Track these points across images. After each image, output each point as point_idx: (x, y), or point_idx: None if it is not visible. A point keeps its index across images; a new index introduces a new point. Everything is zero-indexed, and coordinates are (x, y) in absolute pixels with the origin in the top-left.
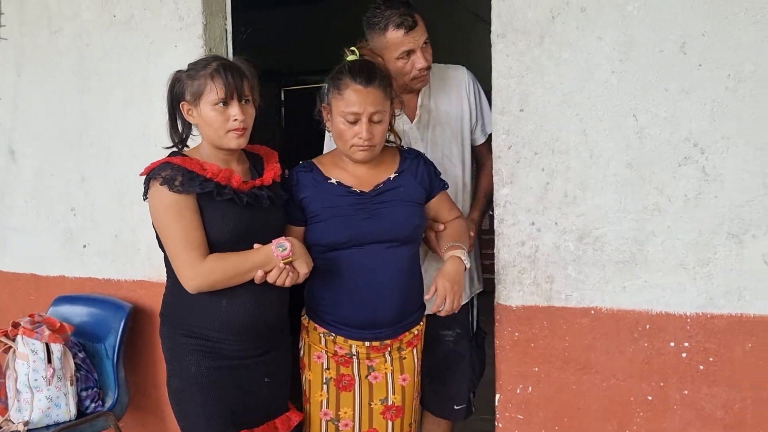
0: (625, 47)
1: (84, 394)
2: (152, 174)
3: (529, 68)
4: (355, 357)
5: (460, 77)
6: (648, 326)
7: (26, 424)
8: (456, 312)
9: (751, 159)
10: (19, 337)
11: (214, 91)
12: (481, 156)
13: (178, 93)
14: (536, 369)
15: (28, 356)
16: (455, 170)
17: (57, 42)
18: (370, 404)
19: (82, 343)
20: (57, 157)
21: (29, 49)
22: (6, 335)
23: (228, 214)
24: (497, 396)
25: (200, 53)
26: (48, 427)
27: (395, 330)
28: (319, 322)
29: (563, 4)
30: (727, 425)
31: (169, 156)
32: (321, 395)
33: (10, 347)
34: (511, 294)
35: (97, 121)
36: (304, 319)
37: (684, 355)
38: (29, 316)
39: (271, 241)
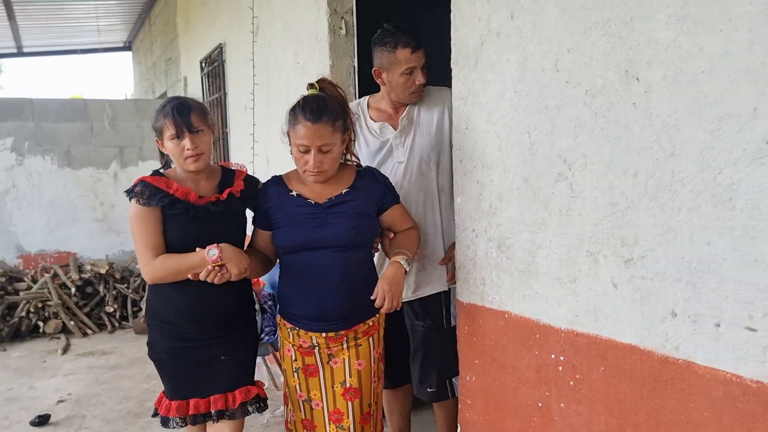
0: (521, 67)
1: (267, 329)
2: (129, 189)
3: (470, 91)
4: (316, 348)
5: (444, 96)
6: (538, 336)
7: None
8: (422, 306)
9: (602, 176)
10: None
11: (169, 129)
12: None
13: (155, 129)
14: (477, 361)
15: None
16: (431, 174)
17: (278, 83)
18: (332, 387)
19: (275, 295)
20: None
21: (273, 87)
22: None
23: (178, 224)
24: (458, 380)
25: None
26: None
27: (348, 322)
28: (287, 318)
29: (487, 30)
30: None
31: (150, 174)
32: (293, 381)
33: None
34: (463, 291)
35: (274, 139)
36: (278, 318)
37: (560, 368)
38: None
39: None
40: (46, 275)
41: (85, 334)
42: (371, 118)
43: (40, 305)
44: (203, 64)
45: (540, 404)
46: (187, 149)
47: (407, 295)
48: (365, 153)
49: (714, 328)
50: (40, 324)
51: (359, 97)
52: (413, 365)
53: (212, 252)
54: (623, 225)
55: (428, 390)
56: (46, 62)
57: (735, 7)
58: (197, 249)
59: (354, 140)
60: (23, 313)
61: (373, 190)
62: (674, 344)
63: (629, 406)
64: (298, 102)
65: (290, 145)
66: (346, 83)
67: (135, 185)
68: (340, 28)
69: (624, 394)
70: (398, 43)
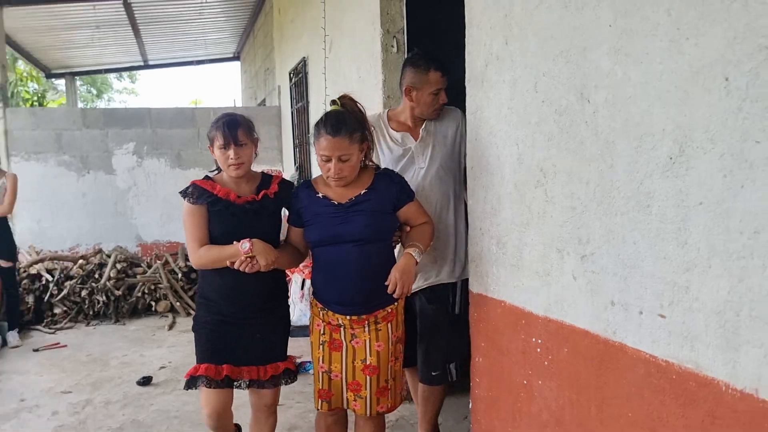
0: (512, 87)
1: None
2: (183, 190)
3: (478, 106)
4: (342, 327)
5: (455, 114)
6: (524, 322)
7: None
8: (439, 293)
9: (566, 184)
10: (296, 273)
11: (218, 140)
12: None
13: (208, 138)
14: (483, 344)
15: (293, 282)
16: (448, 179)
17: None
18: (353, 362)
19: None
20: None
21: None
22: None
23: (218, 219)
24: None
25: (381, 98)
26: (301, 327)
27: (369, 308)
28: (318, 300)
29: (490, 54)
30: (557, 419)
31: (201, 179)
32: (318, 353)
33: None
34: (473, 282)
35: None
36: (311, 299)
37: (538, 350)
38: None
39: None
40: (158, 262)
41: (188, 314)
42: (392, 129)
43: (153, 287)
44: (291, 75)
45: (525, 382)
46: (231, 159)
47: (420, 284)
48: (388, 158)
49: (638, 316)
50: (153, 303)
51: None
52: (419, 348)
53: (245, 245)
54: (580, 226)
55: (432, 373)
56: (170, 72)
57: (652, 42)
58: (234, 242)
59: (372, 149)
60: (139, 294)
61: (389, 189)
62: (613, 329)
63: (584, 382)
64: (321, 118)
65: (316, 154)
66: (397, 95)
67: (188, 187)
68: (392, 46)
69: (580, 372)
70: (431, 67)
